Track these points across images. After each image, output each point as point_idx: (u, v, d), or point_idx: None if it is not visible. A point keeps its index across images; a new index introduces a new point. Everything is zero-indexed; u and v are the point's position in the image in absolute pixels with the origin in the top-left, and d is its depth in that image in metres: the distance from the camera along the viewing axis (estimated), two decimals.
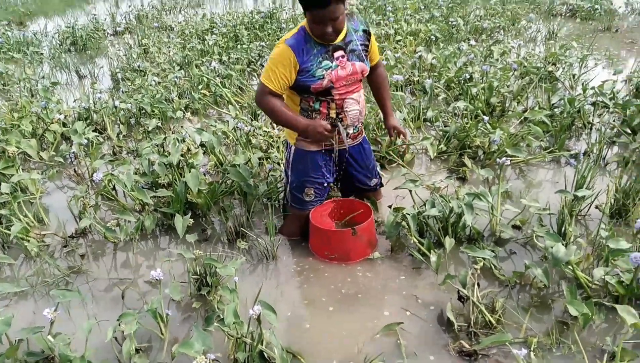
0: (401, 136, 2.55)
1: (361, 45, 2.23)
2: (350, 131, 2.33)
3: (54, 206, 3.10)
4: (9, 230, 2.58)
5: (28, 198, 3.01)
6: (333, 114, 2.22)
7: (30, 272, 2.51)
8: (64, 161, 3.57)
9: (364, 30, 2.25)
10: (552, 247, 2.00)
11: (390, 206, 2.60)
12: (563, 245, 2.01)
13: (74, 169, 3.44)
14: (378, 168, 2.71)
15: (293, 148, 2.37)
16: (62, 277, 2.43)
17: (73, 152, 3.54)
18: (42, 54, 6.63)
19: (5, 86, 5.23)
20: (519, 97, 3.92)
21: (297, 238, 2.59)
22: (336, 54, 2.15)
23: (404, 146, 3.31)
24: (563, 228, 2.35)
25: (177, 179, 2.82)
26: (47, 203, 3.15)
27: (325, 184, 2.43)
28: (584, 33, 6.21)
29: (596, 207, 2.59)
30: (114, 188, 2.99)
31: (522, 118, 3.44)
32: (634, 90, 3.82)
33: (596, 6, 6.96)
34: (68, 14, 9.78)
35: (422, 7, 7.30)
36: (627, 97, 3.70)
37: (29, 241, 2.59)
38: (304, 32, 2.11)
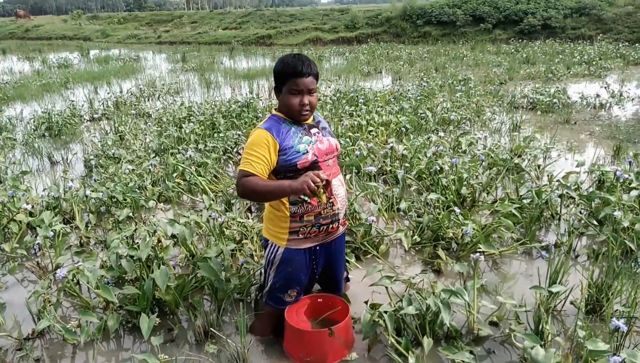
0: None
1: (328, 125, 2.35)
2: (341, 216, 2.28)
3: (12, 302, 2.93)
4: None
5: None
6: (324, 199, 2.06)
7: None
8: (26, 253, 3.43)
9: (322, 118, 2.39)
10: (531, 349, 1.96)
11: (366, 302, 2.55)
12: (542, 346, 1.98)
13: (37, 262, 3.29)
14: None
15: (280, 249, 2.23)
16: None
17: (37, 243, 3.41)
18: (15, 139, 6.59)
19: None
20: (488, 188, 4.03)
21: (270, 337, 2.48)
22: (312, 131, 2.21)
23: (378, 237, 3.31)
24: (540, 326, 2.32)
25: (146, 275, 2.72)
26: (5, 299, 2.97)
27: (305, 283, 2.36)
28: (545, 125, 6.56)
29: (571, 303, 2.59)
30: (77, 284, 2.86)
31: (492, 210, 3.51)
32: (597, 181, 3.98)
33: (554, 100, 7.44)
34: (46, 99, 9.91)
35: (392, 98, 7.66)
36: (591, 189, 3.84)
37: None
38: (276, 118, 2.18)
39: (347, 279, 2.70)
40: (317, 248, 2.28)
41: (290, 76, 2.07)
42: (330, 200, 2.19)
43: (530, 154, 4.80)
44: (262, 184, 2.01)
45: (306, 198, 2.11)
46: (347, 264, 2.68)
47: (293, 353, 2.33)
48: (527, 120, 6.78)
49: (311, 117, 2.24)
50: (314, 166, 2.13)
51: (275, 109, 2.24)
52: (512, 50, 15.76)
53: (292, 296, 2.32)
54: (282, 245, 2.22)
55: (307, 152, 2.12)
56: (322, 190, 1.95)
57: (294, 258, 2.24)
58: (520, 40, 18.94)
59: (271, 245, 2.27)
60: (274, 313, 2.39)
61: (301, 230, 2.19)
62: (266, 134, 2.07)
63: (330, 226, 2.24)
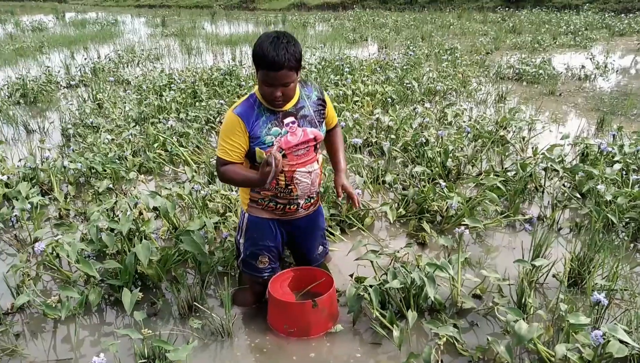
0: (351, 201, 2.37)
1: (314, 111, 2.18)
2: (301, 202, 2.27)
3: None
4: None
5: None
6: (282, 184, 2.17)
7: None
8: (3, 226, 3.34)
9: (318, 97, 2.21)
10: (514, 322, 1.97)
11: (351, 276, 2.55)
12: (524, 319, 2.00)
13: (15, 234, 3.21)
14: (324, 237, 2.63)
15: (246, 215, 2.32)
16: None
17: (15, 216, 3.32)
18: None
19: None
20: (473, 161, 4.02)
21: (253, 308, 2.47)
22: (286, 120, 2.10)
23: (363, 210, 3.29)
24: (523, 299, 2.34)
25: (127, 249, 2.67)
26: None
27: (278, 248, 2.38)
28: (530, 96, 6.55)
29: (553, 276, 2.62)
30: (57, 257, 2.80)
31: (477, 182, 3.51)
32: (581, 154, 4.00)
33: (540, 71, 7.41)
34: (20, 64, 9.56)
35: (378, 68, 7.55)
36: (575, 162, 3.86)
37: None
38: (254, 99, 2.09)
39: (326, 252, 2.65)
40: (277, 222, 2.31)
41: (261, 66, 1.92)
42: (289, 187, 2.18)
43: (515, 126, 4.79)
44: (236, 174, 2.09)
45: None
46: (328, 238, 2.66)
47: (277, 325, 2.33)
48: (512, 91, 6.76)
49: (292, 102, 2.11)
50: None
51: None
52: (499, 19, 15.62)
53: (263, 262, 2.34)
54: (246, 210, 2.31)
55: (272, 145, 2.07)
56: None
57: (258, 225, 2.29)
58: (507, 8, 18.73)
59: (241, 213, 2.37)
60: (252, 281, 2.43)
61: (259, 201, 2.25)
62: (238, 121, 2.04)
63: (288, 206, 2.25)
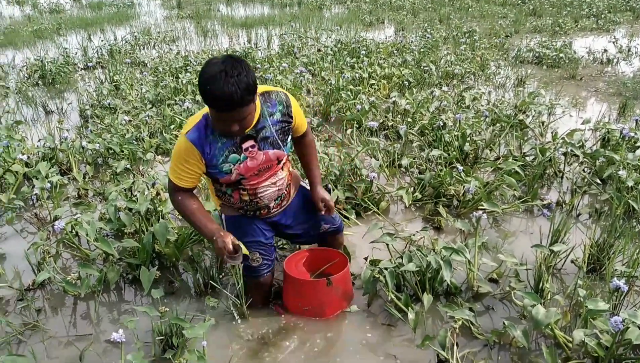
0: (328, 210, 2.27)
1: (277, 130, 1.97)
2: (272, 204, 2.15)
3: (11, 253, 2.93)
4: None
5: None
6: (246, 198, 2.06)
7: None
8: (24, 204, 3.40)
9: (282, 113, 1.97)
10: (531, 307, 1.96)
11: (366, 259, 2.55)
12: (542, 305, 1.98)
13: (35, 213, 3.27)
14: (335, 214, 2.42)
15: (223, 216, 2.20)
16: (14, 335, 2.26)
17: (35, 194, 3.37)
18: (7, 87, 6.42)
19: None
20: (491, 145, 3.97)
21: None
22: (245, 145, 1.90)
23: (379, 194, 3.28)
24: (540, 284, 2.32)
25: (145, 228, 2.70)
26: (4, 249, 2.97)
27: (267, 241, 2.22)
28: (550, 80, 6.42)
29: (572, 261, 2.59)
30: (76, 235, 2.84)
31: (495, 167, 3.47)
32: (602, 140, 3.92)
33: (561, 55, 7.25)
34: (38, 45, 9.62)
35: (395, 50, 7.45)
36: (595, 148, 3.79)
37: None
38: (207, 123, 1.85)
39: (337, 229, 2.44)
40: (254, 220, 2.19)
41: (211, 105, 1.69)
42: (254, 201, 2.08)
43: (534, 110, 4.70)
44: (191, 215, 1.96)
45: (229, 193, 2.09)
46: (344, 222, 2.56)
47: (291, 303, 2.35)
48: (532, 75, 6.62)
49: (252, 122, 1.86)
50: (239, 182, 2.00)
51: None
52: (519, 1, 15.26)
53: (256, 260, 2.16)
54: (219, 211, 2.22)
55: (231, 172, 1.93)
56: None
57: (235, 223, 2.17)
58: None
59: (219, 213, 2.24)
60: (256, 283, 2.27)
61: (228, 205, 2.17)
62: (192, 149, 1.85)
63: (258, 211, 2.15)
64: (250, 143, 1.91)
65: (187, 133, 1.85)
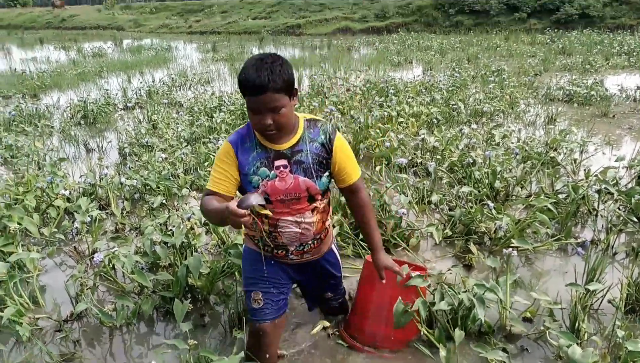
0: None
1: (314, 159, 1.82)
2: (291, 248, 1.96)
3: (51, 285, 3.03)
4: (2, 311, 2.50)
5: (25, 277, 2.95)
6: (266, 229, 1.89)
7: (20, 359, 2.39)
8: (64, 238, 3.54)
9: (323, 144, 1.83)
10: (567, 347, 1.91)
11: None
12: (578, 344, 1.93)
13: (74, 246, 3.39)
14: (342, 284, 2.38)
15: (245, 245, 2.12)
16: None
17: (75, 228, 3.51)
18: (52, 127, 6.78)
19: (13, 158, 5.30)
20: (522, 182, 3.94)
21: (305, 315, 2.47)
22: (277, 163, 1.79)
23: (408, 230, 3.28)
24: (576, 324, 2.26)
25: (179, 261, 2.77)
26: (44, 281, 3.08)
27: (276, 292, 2.02)
28: (582, 118, 6.37)
29: (609, 301, 2.52)
30: (113, 268, 2.93)
31: (526, 204, 3.44)
32: (637, 177, 3.84)
33: (592, 92, 7.20)
34: (81, 87, 10.15)
35: (423, 89, 7.55)
36: (630, 185, 3.72)
37: (21, 324, 2.49)
38: (248, 129, 1.84)
39: (340, 304, 2.43)
40: (272, 261, 2.01)
41: (244, 92, 1.67)
42: (273, 234, 1.91)
43: (566, 148, 4.66)
44: (210, 205, 1.72)
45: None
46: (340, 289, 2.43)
47: (365, 328, 2.30)
48: (562, 113, 6.59)
49: (290, 142, 1.80)
50: (265, 200, 1.77)
51: None
52: (548, 40, 15.33)
53: (257, 301, 2.00)
54: (243, 240, 2.10)
55: (258, 187, 1.81)
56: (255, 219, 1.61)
57: (250, 254, 2.06)
58: (556, 30, 18.37)
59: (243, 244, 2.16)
60: (253, 329, 2.03)
61: (250, 235, 2.03)
62: (229, 149, 1.80)
63: (275, 251, 1.97)
64: (283, 162, 1.80)
65: (229, 136, 1.86)
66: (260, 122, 1.68)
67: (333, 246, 2.19)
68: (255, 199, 1.56)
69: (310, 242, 1.97)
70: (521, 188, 3.93)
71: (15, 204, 3.67)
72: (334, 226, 3.06)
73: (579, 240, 3.18)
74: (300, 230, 1.90)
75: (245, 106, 1.74)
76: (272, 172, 1.79)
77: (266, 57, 1.66)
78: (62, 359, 2.36)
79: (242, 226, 1.53)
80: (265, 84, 1.60)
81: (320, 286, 2.28)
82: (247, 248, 2.08)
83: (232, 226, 1.57)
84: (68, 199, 3.93)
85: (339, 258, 2.24)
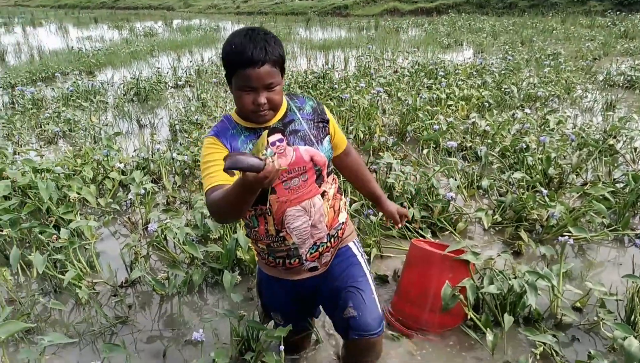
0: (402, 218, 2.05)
1: (309, 123, 1.65)
2: (304, 252, 1.70)
3: (107, 253, 3.18)
4: (63, 274, 2.64)
5: (83, 243, 3.10)
6: (272, 231, 1.66)
7: (78, 319, 2.54)
8: (119, 209, 3.69)
9: (314, 108, 1.68)
10: (623, 340, 1.85)
11: None
12: (635, 337, 1.86)
13: (128, 217, 3.53)
14: (376, 303, 1.79)
15: (259, 267, 1.94)
16: (108, 327, 2.45)
17: (130, 199, 3.65)
18: (107, 102, 7.04)
19: (71, 131, 5.55)
20: (577, 170, 3.79)
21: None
22: (271, 139, 1.58)
23: (456, 215, 3.23)
24: (633, 316, 2.18)
25: (228, 235, 2.84)
26: (100, 249, 3.23)
27: (300, 315, 2.00)
28: None
29: None
30: (165, 239, 3.04)
31: (582, 192, 3.31)
32: None
33: None
34: (134, 65, 10.45)
35: (474, 72, 7.34)
36: None
37: (80, 287, 2.63)
38: (228, 120, 1.63)
39: (376, 332, 1.76)
40: (288, 283, 1.81)
41: (237, 65, 1.47)
42: (281, 234, 1.66)
43: (626, 135, 4.44)
44: (222, 191, 1.45)
45: (255, 224, 1.67)
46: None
47: (409, 302, 2.32)
48: (623, 99, 6.26)
49: (277, 116, 1.61)
50: (265, 197, 1.58)
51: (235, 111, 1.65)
52: (609, 23, 14.51)
53: (278, 319, 1.98)
54: (257, 262, 1.94)
55: None
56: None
57: (267, 284, 1.91)
58: (618, 12, 17.35)
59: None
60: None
61: (260, 254, 1.81)
62: (214, 141, 1.59)
63: (288, 261, 1.73)
64: (277, 136, 1.60)
65: (209, 131, 1.65)
66: (256, 101, 1.50)
67: (354, 242, 1.89)
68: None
69: (325, 241, 1.72)
70: (576, 175, 3.78)
71: (74, 175, 3.85)
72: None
73: (638, 232, 3.04)
74: (309, 220, 1.65)
75: (232, 86, 1.54)
76: (269, 150, 1.33)
77: (256, 29, 1.53)
78: (117, 321, 2.49)
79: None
80: (263, 55, 1.46)
81: (339, 295, 1.79)
82: (263, 273, 1.89)
83: (262, 184, 1.26)
84: (122, 172, 4.09)
85: (361, 255, 1.88)
